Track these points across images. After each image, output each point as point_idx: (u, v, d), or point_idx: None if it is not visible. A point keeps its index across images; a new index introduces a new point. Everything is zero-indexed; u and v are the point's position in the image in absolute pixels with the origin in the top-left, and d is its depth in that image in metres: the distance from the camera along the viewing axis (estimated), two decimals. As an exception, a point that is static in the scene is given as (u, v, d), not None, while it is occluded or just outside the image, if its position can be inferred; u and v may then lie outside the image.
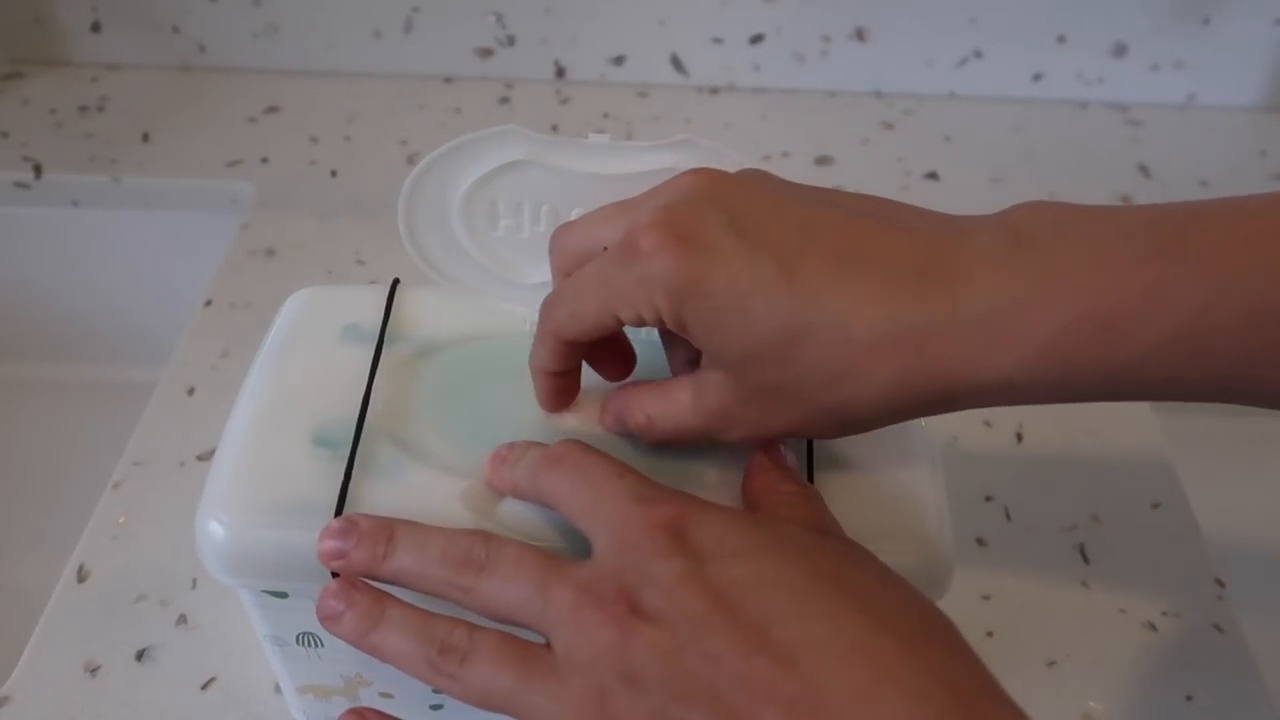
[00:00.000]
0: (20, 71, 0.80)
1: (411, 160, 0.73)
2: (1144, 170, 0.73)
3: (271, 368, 0.39)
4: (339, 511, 0.34)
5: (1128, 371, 0.30)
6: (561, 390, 0.37)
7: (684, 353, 0.36)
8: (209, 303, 0.63)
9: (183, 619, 0.48)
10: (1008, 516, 0.53)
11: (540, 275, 0.39)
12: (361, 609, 0.32)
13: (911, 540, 0.35)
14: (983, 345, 0.30)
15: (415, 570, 0.32)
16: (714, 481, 0.36)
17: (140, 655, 0.47)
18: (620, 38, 0.78)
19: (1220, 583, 0.51)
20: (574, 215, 0.38)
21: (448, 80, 0.80)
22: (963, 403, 0.31)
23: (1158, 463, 0.56)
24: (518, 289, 0.40)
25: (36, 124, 0.75)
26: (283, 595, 0.36)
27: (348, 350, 0.39)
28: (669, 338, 0.36)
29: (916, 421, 0.38)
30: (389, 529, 0.33)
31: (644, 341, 0.38)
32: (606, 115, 0.77)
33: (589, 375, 0.38)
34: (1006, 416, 0.57)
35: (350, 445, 0.36)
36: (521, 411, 0.37)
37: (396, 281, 0.42)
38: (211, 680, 0.46)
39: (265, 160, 0.73)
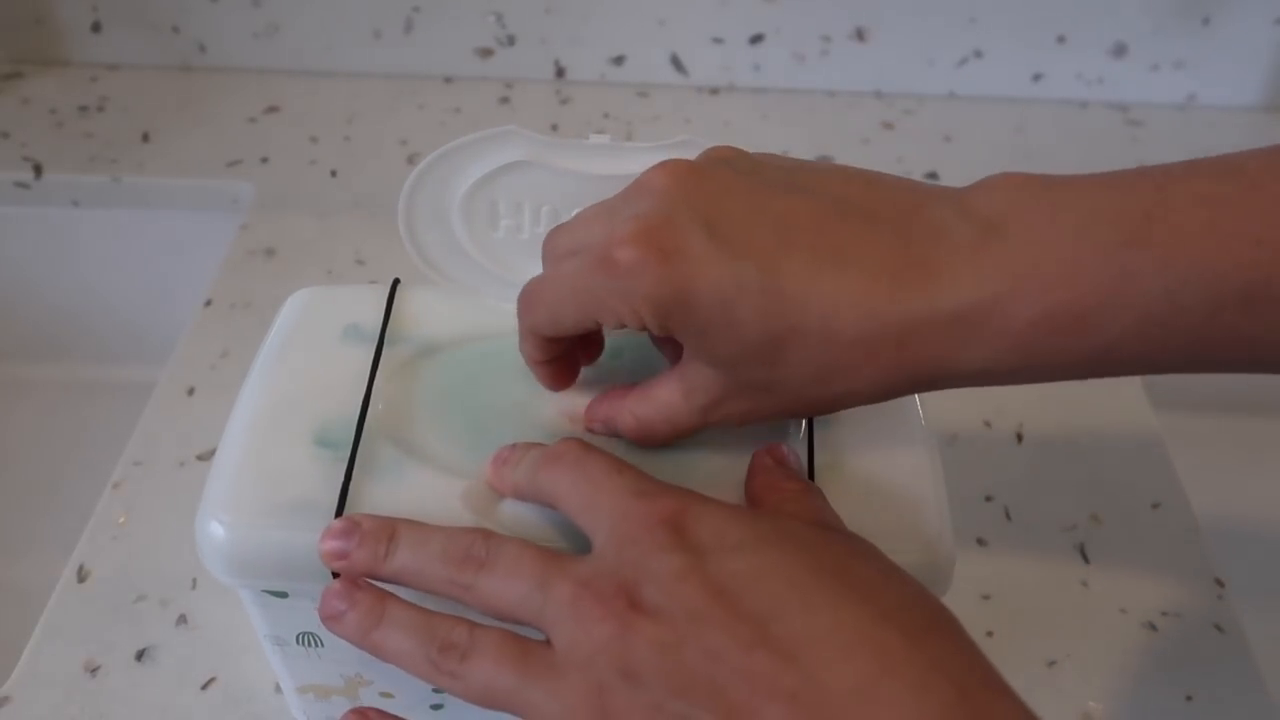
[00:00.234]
0: (20, 71, 0.80)
1: (411, 160, 0.73)
2: (1144, 170, 0.73)
3: (272, 368, 0.39)
4: (340, 512, 0.34)
5: (1099, 356, 0.31)
6: (559, 372, 0.37)
7: (673, 345, 0.36)
8: (209, 303, 0.63)
9: (183, 619, 0.48)
10: (1008, 516, 0.53)
11: (540, 275, 0.39)
12: (364, 608, 0.32)
13: (911, 540, 0.35)
14: (959, 339, 0.31)
15: (416, 568, 0.32)
16: (715, 478, 0.36)
17: (140, 655, 0.47)
18: (620, 38, 0.78)
19: (1220, 583, 0.51)
20: (574, 215, 0.38)
21: (448, 80, 0.80)
22: (943, 386, 0.33)
23: (1158, 463, 0.56)
24: (518, 289, 0.40)
25: (36, 124, 0.75)
26: (283, 595, 0.36)
27: (348, 350, 0.39)
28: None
29: (917, 421, 0.38)
30: (390, 528, 0.33)
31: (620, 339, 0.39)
32: (606, 115, 0.77)
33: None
34: (1006, 416, 0.57)
35: (351, 445, 0.36)
36: (522, 411, 0.37)
37: (397, 281, 0.42)
38: (211, 680, 0.46)
39: (265, 160, 0.73)
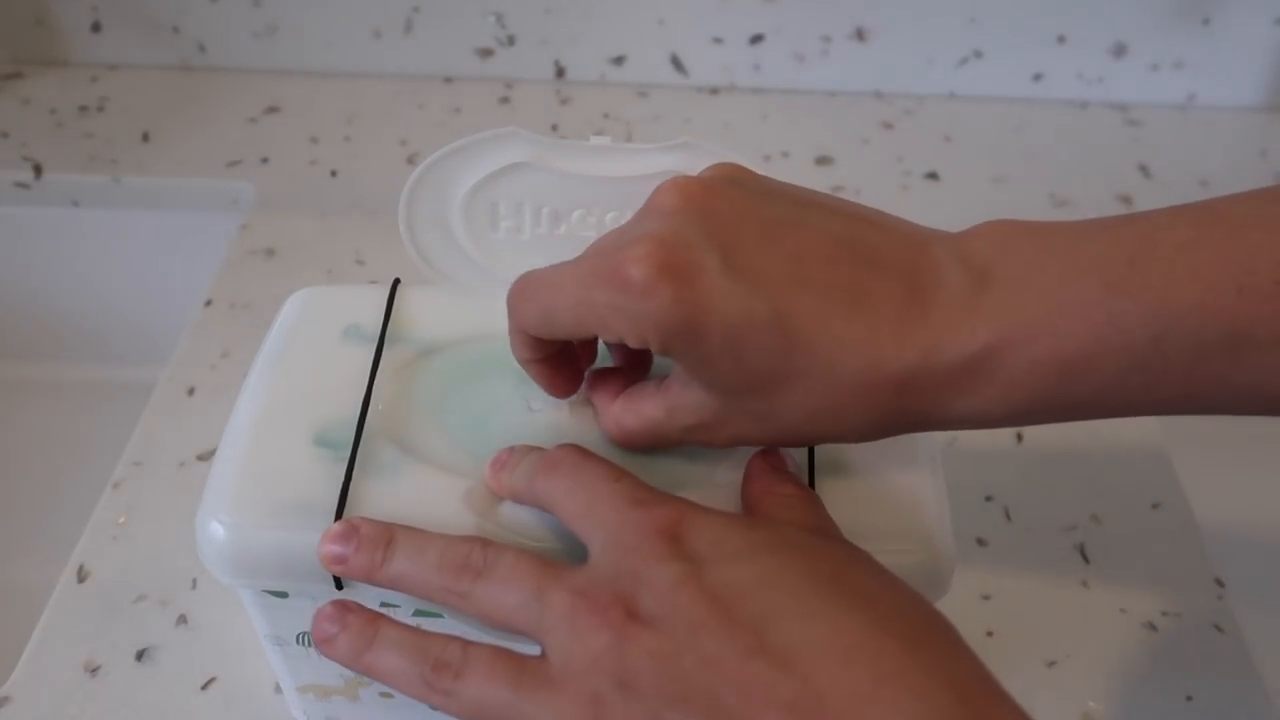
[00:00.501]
0: (20, 71, 0.80)
1: (411, 160, 0.73)
2: (1144, 170, 0.73)
3: (272, 368, 0.39)
4: (340, 512, 0.34)
5: (1088, 401, 0.31)
6: (556, 375, 0.36)
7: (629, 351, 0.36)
8: (209, 303, 0.63)
9: (183, 619, 0.48)
10: (1008, 516, 0.53)
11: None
12: (355, 630, 0.32)
13: (911, 541, 0.35)
14: (953, 390, 0.31)
15: (413, 576, 0.32)
16: (712, 484, 0.36)
17: (140, 655, 0.47)
18: (620, 38, 0.78)
19: (1220, 583, 0.51)
20: (574, 217, 0.38)
21: (448, 80, 0.80)
22: (935, 428, 0.33)
23: (1158, 463, 0.56)
24: (518, 289, 0.40)
25: (36, 124, 0.75)
26: (283, 595, 0.36)
27: (348, 350, 0.39)
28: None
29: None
30: (388, 534, 0.33)
31: None
32: (606, 115, 0.77)
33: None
34: (1006, 417, 0.57)
35: (351, 446, 0.36)
36: (522, 412, 0.37)
37: (397, 281, 0.42)
38: (211, 680, 0.46)
39: (265, 160, 0.73)
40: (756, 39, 0.78)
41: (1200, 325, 0.29)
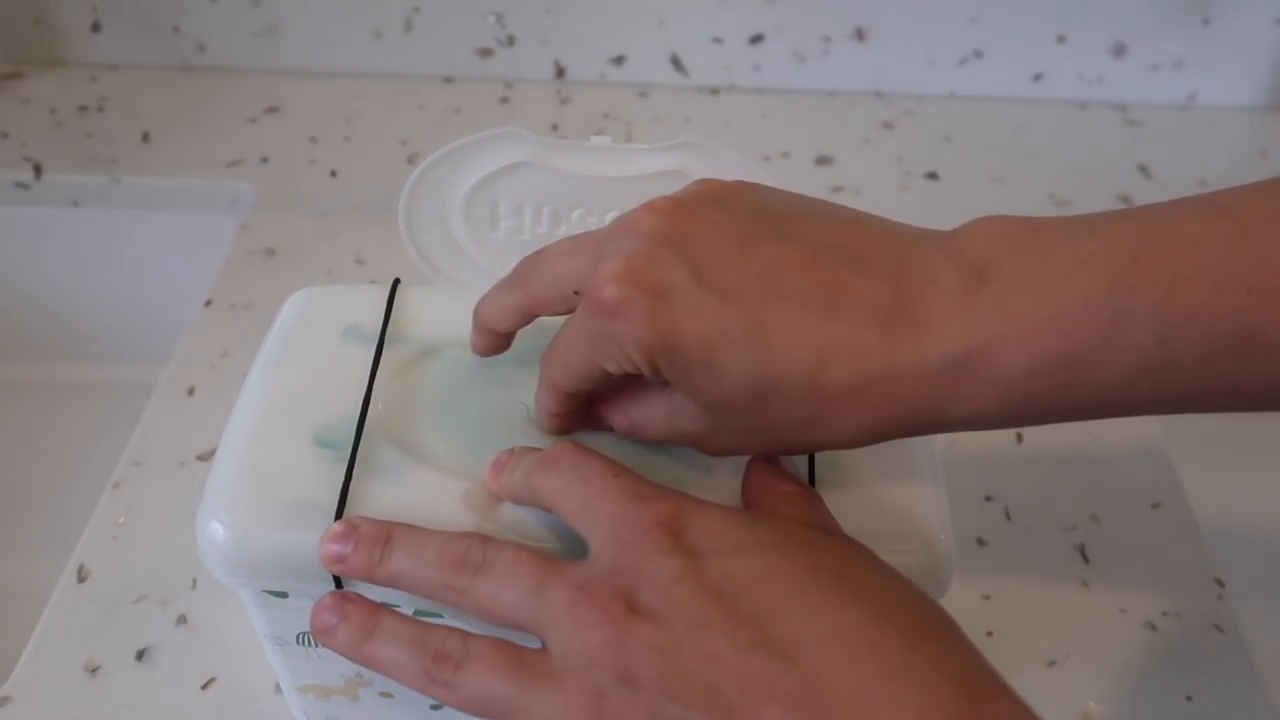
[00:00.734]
0: (20, 71, 0.80)
1: (411, 160, 0.73)
2: (1144, 170, 0.73)
3: (272, 368, 0.39)
4: (340, 512, 0.34)
5: (1091, 403, 0.30)
6: (565, 425, 0.36)
7: None
8: (209, 303, 0.63)
9: (183, 619, 0.48)
10: (1008, 516, 0.53)
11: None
12: (355, 621, 0.32)
13: (911, 541, 0.35)
14: (949, 390, 0.30)
15: (412, 573, 0.32)
16: (712, 480, 0.36)
17: (140, 655, 0.47)
18: (620, 38, 0.78)
19: (1220, 583, 0.51)
20: (574, 217, 0.39)
21: (448, 80, 0.80)
22: (934, 431, 0.32)
23: (1158, 463, 0.56)
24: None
25: (36, 124, 0.75)
26: (283, 595, 0.36)
27: (348, 350, 0.39)
28: None
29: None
30: (386, 532, 0.33)
31: None
32: (606, 115, 0.77)
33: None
34: (1006, 417, 0.57)
35: (351, 446, 0.36)
36: (522, 412, 0.37)
37: (397, 281, 0.42)
38: (211, 680, 0.46)
39: (265, 160, 0.73)
40: (756, 39, 0.78)
41: (1210, 325, 0.29)
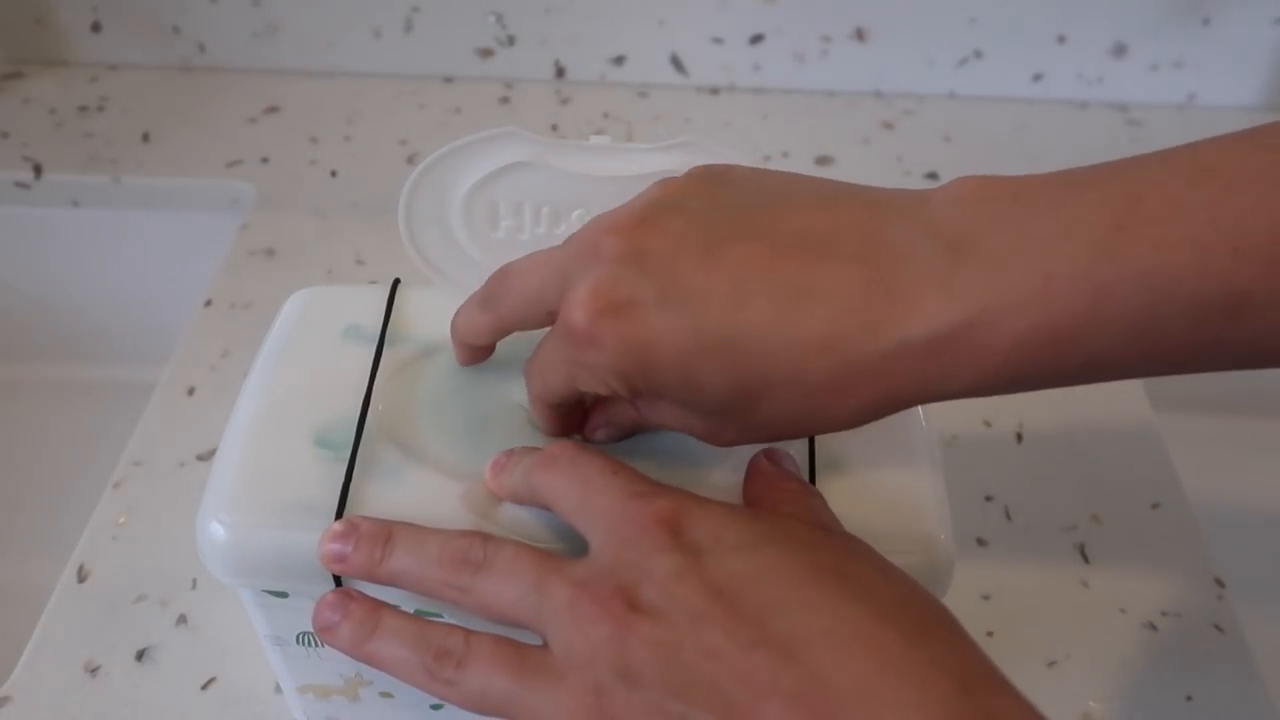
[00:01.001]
0: (20, 71, 0.80)
1: (411, 160, 0.73)
2: (1144, 170, 0.73)
3: (272, 368, 0.39)
4: (340, 512, 0.34)
5: (1082, 370, 0.30)
6: (562, 427, 0.37)
7: None
8: (209, 303, 0.63)
9: (183, 619, 0.48)
10: (1008, 516, 0.53)
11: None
12: (357, 619, 0.32)
13: (911, 540, 0.35)
14: (937, 368, 0.30)
15: (413, 571, 0.32)
16: (714, 479, 0.36)
17: (140, 655, 0.47)
18: (620, 38, 0.78)
19: (1220, 583, 0.51)
20: (574, 217, 0.38)
21: (448, 80, 0.80)
22: (927, 402, 0.32)
23: (1158, 463, 0.56)
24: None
25: (36, 124, 0.75)
26: (283, 595, 0.36)
27: (349, 350, 0.39)
28: None
29: (917, 422, 0.38)
30: (387, 531, 0.33)
31: None
32: (606, 115, 0.77)
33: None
34: (1006, 416, 0.57)
35: (351, 446, 0.36)
36: (522, 412, 0.37)
37: (397, 281, 0.42)
38: (211, 680, 0.46)
39: (265, 160, 0.73)
40: (756, 39, 0.78)
41: (1197, 290, 0.28)
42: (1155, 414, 0.58)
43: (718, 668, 0.27)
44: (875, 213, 0.31)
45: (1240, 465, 0.68)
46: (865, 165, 0.74)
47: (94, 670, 0.46)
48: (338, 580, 0.34)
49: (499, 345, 0.38)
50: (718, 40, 0.78)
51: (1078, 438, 0.57)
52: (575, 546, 0.33)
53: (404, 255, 0.40)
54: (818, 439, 0.37)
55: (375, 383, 0.38)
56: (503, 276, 0.35)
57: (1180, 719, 0.46)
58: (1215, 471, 0.60)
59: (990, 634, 0.48)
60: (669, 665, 0.28)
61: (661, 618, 0.28)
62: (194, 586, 0.49)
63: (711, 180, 0.33)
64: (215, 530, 0.34)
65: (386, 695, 0.40)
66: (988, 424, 0.57)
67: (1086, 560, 0.51)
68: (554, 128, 0.76)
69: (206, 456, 0.55)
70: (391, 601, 0.34)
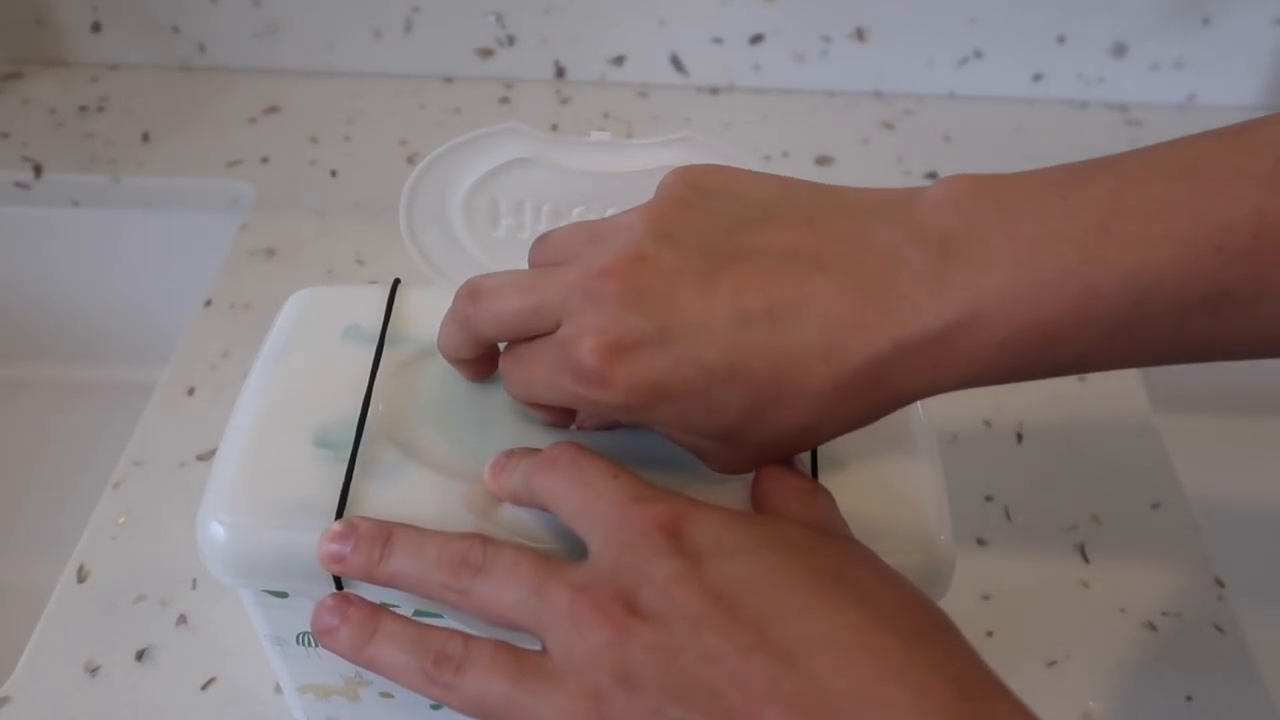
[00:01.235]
0: (20, 71, 0.80)
1: (411, 160, 0.73)
2: (1144, 170, 0.73)
3: (272, 368, 0.39)
4: (340, 513, 0.34)
5: (1071, 363, 0.31)
6: (555, 416, 0.37)
7: None
8: (209, 303, 0.63)
9: (183, 619, 0.48)
10: (1008, 516, 0.53)
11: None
12: (355, 623, 0.32)
13: (911, 540, 0.35)
14: (930, 367, 0.31)
15: (412, 573, 0.32)
16: (716, 483, 0.35)
17: (140, 655, 0.47)
18: (620, 38, 0.78)
19: (1220, 583, 0.51)
20: (575, 215, 0.38)
21: (448, 80, 0.80)
22: (923, 397, 0.33)
23: (1158, 463, 0.56)
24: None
25: (36, 124, 0.75)
26: (283, 595, 0.36)
27: (349, 351, 0.39)
28: None
29: (917, 421, 0.38)
30: (386, 532, 0.33)
31: None
32: (606, 115, 0.77)
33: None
34: (1006, 416, 0.57)
35: (351, 446, 0.36)
36: (522, 412, 0.37)
37: (397, 281, 0.42)
38: (211, 680, 0.46)
39: (265, 160, 0.73)
40: (756, 39, 0.78)
41: (1181, 287, 0.29)
42: (1155, 414, 0.58)
43: (717, 673, 0.27)
44: (861, 220, 0.32)
45: (1240, 465, 0.68)
46: (865, 165, 0.74)
47: (94, 670, 0.46)
48: (338, 581, 0.34)
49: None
50: (718, 40, 0.78)
51: (1078, 438, 0.57)
52: (575, 548, 0.33)
53: (404, 255, 0.40)
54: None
55: (375, 383, 0.38)
56: (473, 295, 0.35)
57: (1180, 719, 0.46)
58: (1215, 471, 0.60)
59: (990, 634, 0.48)
60: (668, 670, 0.28)
61: (661, 623, 0.28)
62: (194, 586, 0.49)
63: (694, 196, 0.33)
64: (215, 530, 0.34)
65: (386, 695, 0.40)
66: (988, 424, 0.57)
67: (1086, 560, 0.51)
68: (554, 127, 0.76)
69: (206, 456, 0.55)
70: (391, 602, 0.34)
